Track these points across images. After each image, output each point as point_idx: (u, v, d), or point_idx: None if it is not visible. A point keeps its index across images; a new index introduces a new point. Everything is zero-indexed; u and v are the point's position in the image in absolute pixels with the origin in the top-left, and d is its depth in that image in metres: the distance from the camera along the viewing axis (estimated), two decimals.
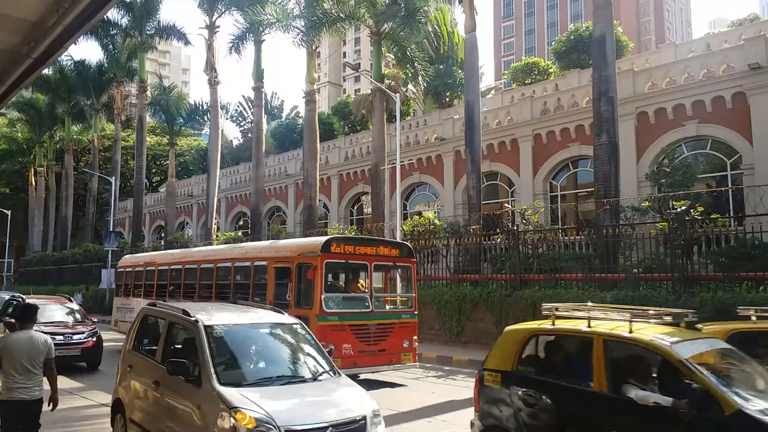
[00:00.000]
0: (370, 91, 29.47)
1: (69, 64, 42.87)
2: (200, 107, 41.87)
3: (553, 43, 38.87)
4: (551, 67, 36.28)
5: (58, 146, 49.63)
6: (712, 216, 13.32)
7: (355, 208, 34.75)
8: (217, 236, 31.36)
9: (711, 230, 13.51)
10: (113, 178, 38.68)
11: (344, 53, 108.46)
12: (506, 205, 22.55)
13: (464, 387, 10.85)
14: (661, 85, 21.23)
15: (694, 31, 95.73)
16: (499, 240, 17.58)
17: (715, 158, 20.33)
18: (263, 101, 33.16)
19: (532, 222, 17.29)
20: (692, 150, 20.86)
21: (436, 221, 19.90)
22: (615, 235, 14.79)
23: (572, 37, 33.47)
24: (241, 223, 42.48)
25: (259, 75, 30.16)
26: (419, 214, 26.12)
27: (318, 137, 27.39)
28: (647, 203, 15.06)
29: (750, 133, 18.79)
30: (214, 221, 33.35)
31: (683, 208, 12.77)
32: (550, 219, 23.99)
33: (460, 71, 35.31)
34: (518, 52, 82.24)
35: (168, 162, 42.07)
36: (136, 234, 38.58)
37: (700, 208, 12.88)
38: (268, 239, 27.87)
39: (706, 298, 11.83)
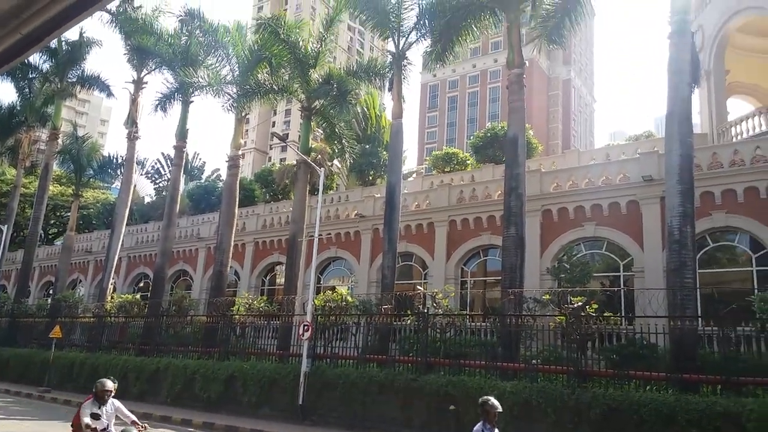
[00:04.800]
0: (295, 162, 29.67)
1: None
2: (114, 160, 40.10)
3: (471, 137, 41.46)
4: (469, 159, 38.43)
5: None
6: (606, 314, 14.14)
7: (268, 278, 33.88)
8: (112, 297, 29.23)
9: (604, 327, 14.30)
10: (6, 226, 35.58)
11: (273, 122, 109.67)
12: (419, 287, 22.81)
13: None
14: (564, 186, 22.96)
15: (596, 141, 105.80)
16: (409, 321, 17.62)
17: (609, 259, 21.90)
18: (184, 161, 32.40)
19: (442, 306, 17.55)
20: (590, 249, 22.40)
21: (349, 298, 19.73)
22: (517, 324, 15.29)
23: (489, 134, 35.89)
24: (141, 284, 40.00)
25: (182, 134, 29.63)
26: (333, 288, 25.86)
27: (237, 202, 26.91)
28: (548, 296, 15.79)
29: (641, 239, 20.51)
30: (111, 281, 31.20)
31: (579, 304, 13.51)
32: (460, 304, 24.49)
33: (384, 152, 36.56)
34: (440, 140, 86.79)
35: (69, 214, 39.47)
36: (21, 289, 35.25)
37: (595, 306, 13.67)
38: (170, 304, 26.33)
39: (598, 394, 12.31)
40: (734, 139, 24.10)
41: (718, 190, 19.40)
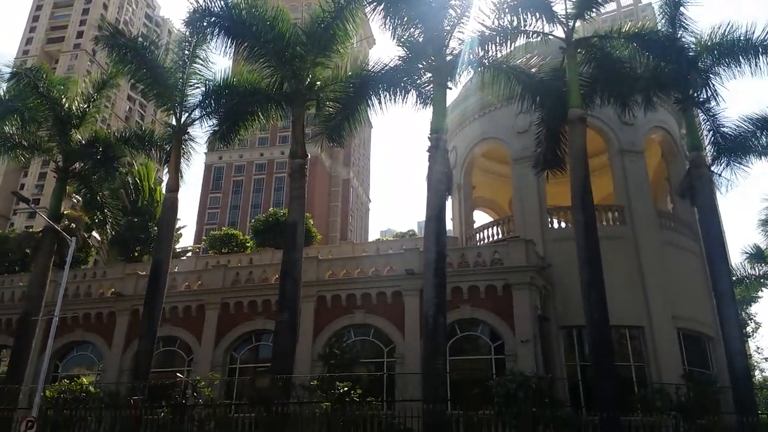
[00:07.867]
0: (41, 230, 25.73)
1: None
2: None
3: (253, 221, 41.33)
4: (249, 242, 37.87)
5: None
6: (368, 399, 14.57)
7: None
8: None
9: (366, 412, 14.66)
10: None
11: (22, 185, 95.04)
12: (179, 374, 20.83)
13: None
14: (339, 275, 23.89)
15: (370, 236, 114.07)
16: (163, 414, 15.79)
17: (376, 346, 22.97)
18: None
19: (203, 396, 16.20)
20: (359, 336, 23.26)
21: (92, 388, 17.04)
22: (284, 413, 14.80)
23: (270, 218, 36.15)
24: None
25: None
26: (76, 377, 22.13)
27: None
28: (316, 383, 15.75)
29: (403, 327, 22.06)
30: None
31: (345, 389, 13.74)
32: (225, 393, 22.88)
33: (156, 228, 34.01)
34: (222, 222, 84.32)
35: None
36: None
37: (360, 390, 14.04)
38: None
39: None
40: (478, 244, 28.14)
41: (465, 286, 22.08)
